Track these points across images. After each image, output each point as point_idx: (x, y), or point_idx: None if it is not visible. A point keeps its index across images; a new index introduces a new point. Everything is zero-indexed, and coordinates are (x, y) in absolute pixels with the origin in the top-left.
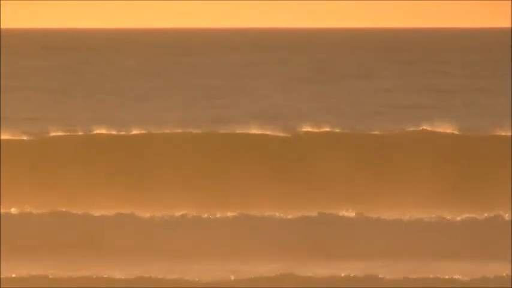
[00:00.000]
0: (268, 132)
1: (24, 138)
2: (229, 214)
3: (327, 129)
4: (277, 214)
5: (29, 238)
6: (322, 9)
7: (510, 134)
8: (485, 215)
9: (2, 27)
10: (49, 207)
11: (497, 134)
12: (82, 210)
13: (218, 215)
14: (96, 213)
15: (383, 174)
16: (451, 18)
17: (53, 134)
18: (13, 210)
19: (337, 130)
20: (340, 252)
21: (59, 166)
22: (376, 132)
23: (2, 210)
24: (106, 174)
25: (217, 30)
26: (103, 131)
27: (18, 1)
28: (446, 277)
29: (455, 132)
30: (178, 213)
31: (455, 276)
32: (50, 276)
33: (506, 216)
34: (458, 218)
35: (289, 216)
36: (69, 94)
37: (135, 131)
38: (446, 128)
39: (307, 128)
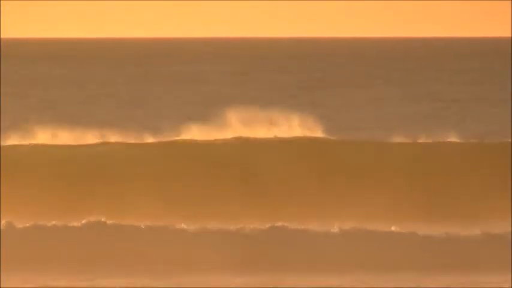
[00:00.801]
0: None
1: (20, 145)
2: (209, 226)
3: (320, 135)
4: (249, 226)
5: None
6: (322, 19)
7: (510, 141)
8: (484, 225)
9: (2, 36)
10: (35, 218)
11: (497, 141)
12: (65, 221)
13: (198, 226)
14: (78, 223)
15: (378, 184)
16: (451, 27)
17: (45, 142)
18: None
19: (332, 138)
20: (318, 265)
21: (50, 175)
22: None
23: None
24: (89, 183)
25: (217, 39)
26: (96, 140)
27: (18, 2)
28: None
29: (455, 140)
30: (161, 223)
31: None
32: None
33: (506, 227)
34: (454, 231)
35: (261, 228)
36: (66, 103)
37: (129, 141)
38: (446, 136)
39: (299, 134)
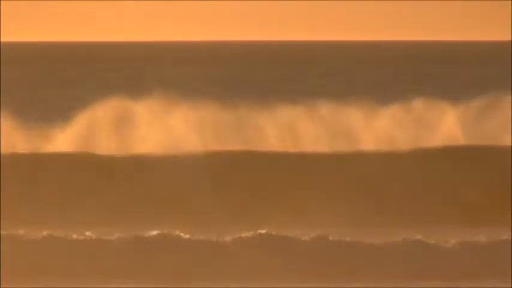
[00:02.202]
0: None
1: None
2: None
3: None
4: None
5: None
6: (322, 24)
7: (510, 145)
8: (483, 234)
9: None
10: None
11: (497, 145)
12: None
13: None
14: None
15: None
16: (454, 32)
17: (48, 151)
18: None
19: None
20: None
21: (48, 185)
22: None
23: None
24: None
25: (220, 42)
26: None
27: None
28: None
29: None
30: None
31: None
32: None
33: (505, 234)
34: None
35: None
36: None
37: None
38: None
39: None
